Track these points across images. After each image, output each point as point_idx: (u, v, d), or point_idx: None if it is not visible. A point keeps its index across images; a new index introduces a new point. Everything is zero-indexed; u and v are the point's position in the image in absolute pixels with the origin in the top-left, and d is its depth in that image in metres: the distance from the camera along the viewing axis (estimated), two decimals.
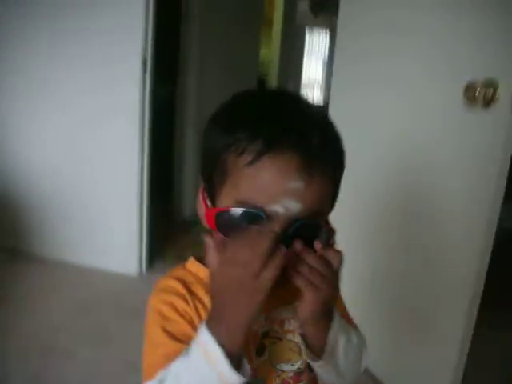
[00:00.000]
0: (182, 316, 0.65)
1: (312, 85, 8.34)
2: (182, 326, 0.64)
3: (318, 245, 0.60)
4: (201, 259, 0.72)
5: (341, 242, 0.67)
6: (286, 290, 0.64)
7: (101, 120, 2.38)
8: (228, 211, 0.61)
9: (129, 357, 1.79)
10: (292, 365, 0.69)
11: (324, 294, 0.58)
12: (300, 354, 0.69)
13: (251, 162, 0.58)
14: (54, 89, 2.41)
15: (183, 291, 0.67)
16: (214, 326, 0.56)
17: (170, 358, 0.59)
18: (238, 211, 0.60)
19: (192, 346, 0.57)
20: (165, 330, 0.64)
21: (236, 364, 0.54)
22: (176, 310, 0.65)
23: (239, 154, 0.59)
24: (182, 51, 3.12)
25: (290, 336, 0.70)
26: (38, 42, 2.38)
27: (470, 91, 1.28)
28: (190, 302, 0.66)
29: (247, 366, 0.56)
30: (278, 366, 0.68)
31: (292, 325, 0.70)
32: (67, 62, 2.36)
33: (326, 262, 0.60)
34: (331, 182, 0.63)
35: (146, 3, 2.20)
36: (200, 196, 0.68)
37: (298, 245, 0.59)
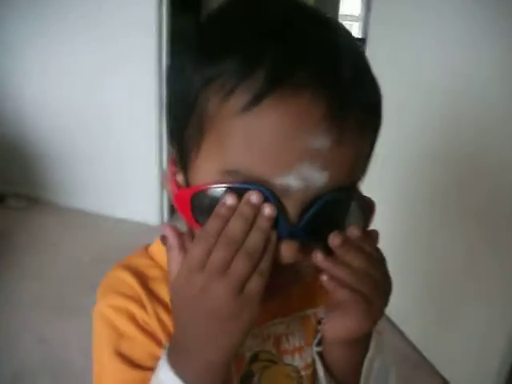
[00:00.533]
0: (142, 329, 0.46)
1: (350, 19, 7.84)
2: (139, 345, 0.45)
3: (354, 230, 0.39)
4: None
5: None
6: (281, 297, 0.45)
7: (117, 65, 2.21)
8: (208, 190, 0.39)
9: None
10: None
11: (377, 307, 0.39)
12: (300, 382, 0.50)
13: (246, 108, 0.36)
14: (70, 34, 2.25)
15: (138, 290, 0.47)
16: (177, 361, 0.39)
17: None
18: (223, 189, 0.38)
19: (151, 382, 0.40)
20: (119, 354, 0.45)
21: None
22: (134, 320, 0.46)
23: (227, 95, 0.36)
24: None
25: (287, 359, 0.50)
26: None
27: None
28: (149, 307, 0.46)
29: None
30: None
31: (291, 344, 0.50)
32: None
33: (377, 259, 0.40)
34: (368, 140, 0.41)
35: None
36: (168, 170, 0.45)
37: (334, 238, 0.38)
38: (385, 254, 0.42)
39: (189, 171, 0.41)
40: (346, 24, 7.76)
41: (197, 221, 0.39)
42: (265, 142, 0.36)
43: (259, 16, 0.39)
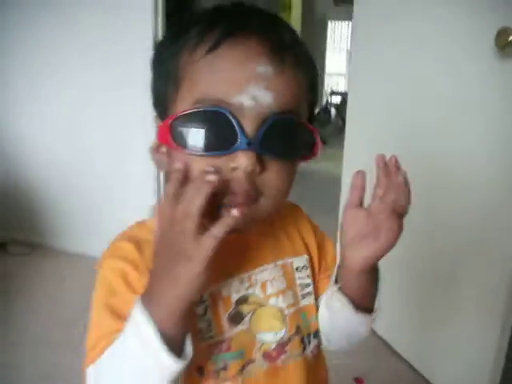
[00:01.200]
0: (131, 288, 0.53)
1: (336, 75, 8.20)
2: (127, 302, 0.50)
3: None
4: None
5: None
6: (271, 243, 0.58)
7: (122, 111, 2.30)
8: (183, 115, 0.49)
9: None
10: (275, 334, 0.58)
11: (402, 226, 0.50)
12: (284, 321, 0.59)
13: (208, 51, 0.49)
14: (59, 65, 2.36)
15: (136, 256, 0.54)
16: (147, 301, 0.46)
17: (107, 339, 0.49)
18: (195, 112, 0.48)
19: (127, 325, 0.47)
20: (107, 306, 0.52)
21: (175, 347, 0.44)
22: (125, 279, 0.53)
23: (194, 48, 0.50)
24: None
25: (273, 301, 0.59)
26: (44, 21, 2.33)
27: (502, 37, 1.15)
28: (142, 266, 0.53)
29: (189, 350, 0.46)
30: (258, 336, 0.58)
31: (274, 287, 0.59)
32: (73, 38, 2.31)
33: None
34: (305, 81, 0.53)
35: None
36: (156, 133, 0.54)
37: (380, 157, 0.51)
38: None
39: (168, 113, 0.52)
40: (333, 79, 8.12)
41: (177, 144, 0.49)
42: (222, 72, 0.48)
43: (215, 7, 0.54)
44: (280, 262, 0.60)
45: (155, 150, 0.53)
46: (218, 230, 0.42)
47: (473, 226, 1.36)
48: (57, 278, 2.23)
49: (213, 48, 0.48)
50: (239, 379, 0.56)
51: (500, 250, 1.27)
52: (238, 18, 0.51)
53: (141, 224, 0.60)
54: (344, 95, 6.81)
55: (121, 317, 0.50)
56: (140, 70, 1.95)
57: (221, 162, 0.48)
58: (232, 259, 0.57)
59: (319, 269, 0.65)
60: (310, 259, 0.63)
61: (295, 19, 5.01)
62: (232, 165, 0.48)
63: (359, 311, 0.57)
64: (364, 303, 0.57)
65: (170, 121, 0.49)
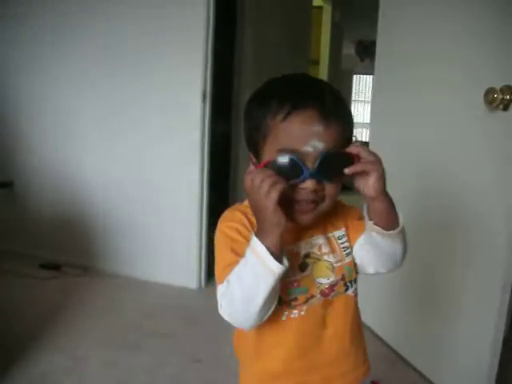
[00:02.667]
0: (243, 237, 0.83)
1: (361, 127, 8.57)
2: (243, 245, 0.80)
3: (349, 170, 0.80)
4: None
5: None
6: (322, 223, 0.90)
7: (165, 144, 2.67)
8: (273, 160, 0.78)
9: (190, 350, 2.02)
10: (327, 279, 0.88)
11: (382, 168, 0.78)
12: (333, 271, 0.89)
13: (283, 119, 0.78)
14: (122, 112, 2.76)
15: (245, 221, 0.85)
16: (258, 234, 0.76)
17: (232, 266, 0.80)
18: (277, 157, 0.77)
19: (246, 251, 0.78)
20: (228, 247, 0.83)
21: (277, 258, 0.75)
22: (239, 233, 0.84)
23: (274, 116, 0.79)
24: (235, 87, 3.44)
25: (326, 257, 0.88)
26: (115, 74, 2.74)
27: (489, 96, 1.47)
28: (247, 225, 0.85)
29: (285, 260, 0.76)
30: (317, 280, 0.87)
31: (326, 249, 0.89)
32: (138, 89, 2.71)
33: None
34: (344, 129, 0.81)
35: (205, 43, 2.52)
36: (250, 164, 0.86)
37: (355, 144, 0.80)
38: None
39: (260, 157, 0.83)
40: (358, 130, 8.49)
41: None
42: (293, 132, 0.77)
43: (282, 81, 0.85)
44: (327, 235, 0.90)
45: (249, 172, 0.80)
46: (274, 193, 0.73)
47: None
48: (108, 297, 2.54)
49: (286, 117, 0.78)
50: (304, 307, 0.86)
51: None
52: (300, 94, 0.79)
53: (241, 204, 0.91)
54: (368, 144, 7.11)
55: (238, 254, 0.80)
56: (191, 116, 2.37)
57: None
58: (300, 230, 0.87)
59: (352, 232, 0.93)
60: (347, 229, 0.93)
61: (322, 73, 5.40)
62: (301, 186, 0.78)
63: (391, 232, 0.82)
64: (391, 225, 0.82)
65: (265, 163, 0.79)
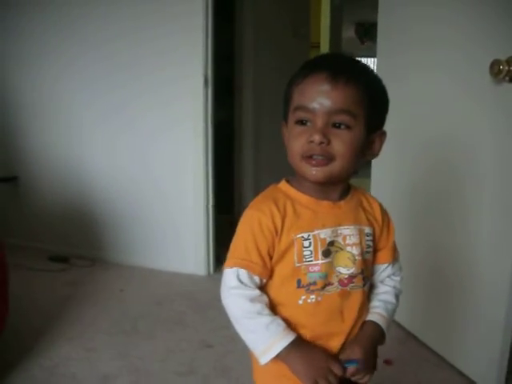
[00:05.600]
0: (263, 231, 0.85)
1: None
2: (257, 242, 0.85)
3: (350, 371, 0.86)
4: (290, 181, 0.93)
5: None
6: (351, 213, 0.91)
7: (169, 133, 2.67)
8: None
9: (201, 336, 2.02)
10: (348, 270, 0.88)
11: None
12: (354, 263, 0.89)
13: (301, 82, 0.86)
14: (124, 106, 2.75)
15: (274, 211, 0.86)
16: (285, 355, 0.83)
17: (238, 260, 0.85)
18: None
19: (269, 327, 0.83)
20: (243, 239, 0.86)
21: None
22: (260, 225, 0.85)
23: (295, 81, 0.87)
24: (237, 70, 3.41)
25: (349, 248, 0.88)
26: (117, 71, 2.73)
27: (494, 68, 1.44)
28: (278, 217, 0.85)
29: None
30: (337, 268, 0.87)
31: (351, 240, 0.89)
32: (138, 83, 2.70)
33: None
34: (356, 90, 0.83)
35: (205, 27, 2.50)
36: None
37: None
38: None
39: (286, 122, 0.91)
40: None
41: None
42: (306, 92, 0.84)
43: (314, 58, 0.92)
44: (358, 227, 0.90)
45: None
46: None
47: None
48: (117, 287, 2.54)
49: (302, 80, 0.85)
50: (321, 293, 0.86)
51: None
52: (318, 63, 0.88)
53: (275, 187, 0.93)
54: None
55: (249, 251, 0.85)
56: (184, 104, 2.37)
57: (306, 137, 0.83)
58: (329, 217, 0.88)
59: (378, 240, 0.95)
60: (373, 230, 0.94)
61: None
62: (310, 139, 0.82)
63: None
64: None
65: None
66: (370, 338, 0.90)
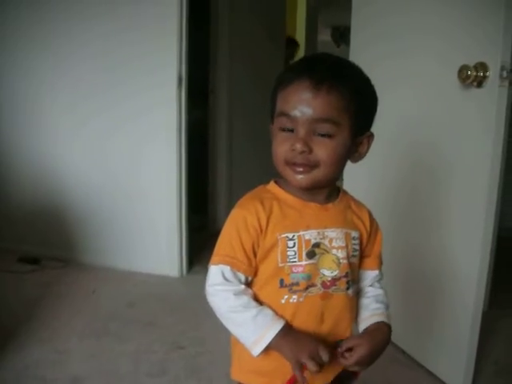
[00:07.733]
0: (248, 231, 0.86)
1: None
2: (245, 238, 0.87)
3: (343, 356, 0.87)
4: (278, 182, 0.94)
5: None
6: (339, 216, 0.93)
7: (142, 139, 2.67)
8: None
9: (173, 337, 2.02)
10: (331, 272, 0.89)
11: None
12: (339, 266, 0.90)
13: (284, 88, 0.87)
14: (102, 110, 2.72)
15: (259, 211, 0.87)
16: (277, 339, 0.84)
17: (222, 257, 0.87)
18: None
19: (257, 316, 0.85)
20: (228, 237, 0.88)
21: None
22: (246, 224, 0.86)
23: (280, 84, 0.88)
24: (212, 73, 3.42)
25: (334, 251, 0.90)
26: (86, 62, 2.71)
27: (462, 73, 1.49)
28: (262, 214, 0.87)
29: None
30: (321, 270, 0.88)
31: (337, 243, 0.90)
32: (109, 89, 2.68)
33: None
34: (340, 97, 0.84)
35: (179, 27, 2.51)
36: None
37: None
38: None
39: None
40: None
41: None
42: (289, 99, 0.85)
43: (300, 59, 0.94)
44: (345, 230, 0.91)
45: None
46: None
47: None
48: (89, 288, 2.52)
49: (286, 86, 0.86)
50: (303, 295, 0.87)
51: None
52: (301, 69, 0.86)
53: (263, 187, 0.95)
54: None
55: (234, 248, 0.86)
56: (157, 103, 2.37)
57: (289, 144, 0.84)
58: (315, 218, 0.89)
59: (365, 246, 0.97)
60: (360, 236, 0.95)
61: (298, 57, 5.38)
62: (292, 147, 0.84)
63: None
64: None
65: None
66: (381, 335, 0.93)
